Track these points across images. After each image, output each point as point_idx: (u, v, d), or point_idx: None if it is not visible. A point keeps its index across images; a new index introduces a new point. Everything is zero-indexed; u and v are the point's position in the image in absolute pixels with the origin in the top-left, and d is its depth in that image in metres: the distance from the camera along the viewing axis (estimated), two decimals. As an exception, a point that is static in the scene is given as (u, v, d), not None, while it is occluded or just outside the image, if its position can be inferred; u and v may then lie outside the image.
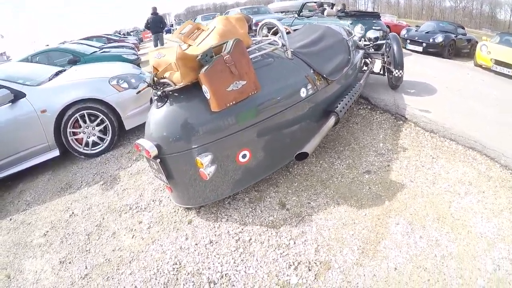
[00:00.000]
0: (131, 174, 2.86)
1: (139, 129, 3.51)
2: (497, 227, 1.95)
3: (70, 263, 2.00)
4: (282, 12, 14.24)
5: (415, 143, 2.78)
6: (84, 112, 3.15)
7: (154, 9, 8.71)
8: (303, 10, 7.86)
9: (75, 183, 2.93)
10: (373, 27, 6.24)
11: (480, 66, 6.71)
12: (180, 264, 1.83)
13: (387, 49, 3.47)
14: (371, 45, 3.72)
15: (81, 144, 3.25)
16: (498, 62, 6.29)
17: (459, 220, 2.01)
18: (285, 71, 2.22)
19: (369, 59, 3.67)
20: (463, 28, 9.93)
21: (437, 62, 5.94)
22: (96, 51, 7.49)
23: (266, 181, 2.40)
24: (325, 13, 7.22)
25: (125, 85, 3.36)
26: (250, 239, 1.94)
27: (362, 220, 2.03)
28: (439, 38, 7.99)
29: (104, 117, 3.23)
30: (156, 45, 8.88)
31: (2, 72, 3.56)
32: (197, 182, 1.97)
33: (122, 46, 9.83)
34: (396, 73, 3.23)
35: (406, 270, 1.69)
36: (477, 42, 8.89)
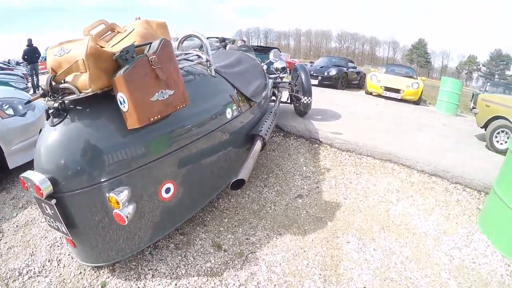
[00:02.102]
0: (17, 226, 2.22)
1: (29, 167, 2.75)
2: (435, 223, 2.35)
3: None
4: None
5: (336, 162, 3.10)
6: None
7: (29, 40, 10.04)
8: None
9: None
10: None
11: (371, 93, 8.50)
12: None
13: (294, 78, 3.94)
14: (279, 75, 4.16)
15: None
16: (388, 88, 8.09)
17: (401, 225, 2.32)
18: (211, 88, 2.20)
19: (277, 89, 4.06)
20: (352, 62, 12.38)
21: (334, 92, 7.11)
22: None
23: (190, 221, 2.17)
24: (228, 47, 7.82)
25: (10, 111, 2.81)
26: None
27: (311, 246, 2.03)
28: (333, 72, 9.58)
29: None
30: (31, 75, 10.02)
31: None
32: (110, 230, 1.60)
33: (11, 74, 9.72)
34: (305, 100, 3.65)
35: (375, 286, 1.74)
36: (365, 75, 11.28)
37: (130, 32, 1.75)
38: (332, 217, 2.33)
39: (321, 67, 10.13)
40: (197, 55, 2.27)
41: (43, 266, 1.84)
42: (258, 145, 2.40)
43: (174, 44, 2.20)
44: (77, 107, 1.54)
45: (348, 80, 10.32)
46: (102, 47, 1.67)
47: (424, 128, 4.34)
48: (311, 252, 1.97)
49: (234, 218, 2.26)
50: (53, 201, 1.45)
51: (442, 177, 2.93)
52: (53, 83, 1.47)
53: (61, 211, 1.49)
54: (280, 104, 4.23)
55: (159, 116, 1.57)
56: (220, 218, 2.25)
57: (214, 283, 1.71)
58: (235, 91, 2.44)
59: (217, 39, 9.15)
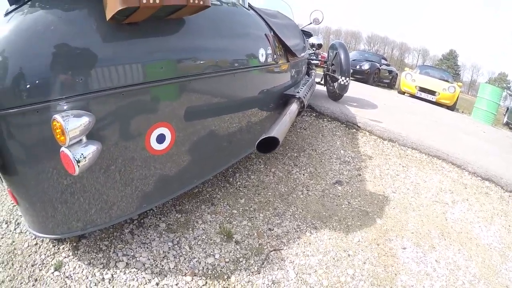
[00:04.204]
0: None
1: None
2: (497, 235, 1.72)
3: None
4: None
5: (378, 151, 2.39)
6: None
7: None
8: None
9: None
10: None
11: (404, 93, 7.45)
12: None
13: (331, 57, 3.23)
14: (314, 51, 3.47)
15: None
16: (422, 89, 7.05)
17: (462, 233, 1.67)
18: (242, 19, 1.59)
19: (311, 66, 3.37)
20: (386, 59, 11.09)
21: (366, 86, 6.24)
22: None
23: (193, 195, 1.52)
24: None
25: None
26: None
27: (358, 249, 1.36)
28: (366, 66, 8.47)
29: None
30: None
31: None
32: (63, 183, 0.96)
33: None
34: (342, 80, 2.95)
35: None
36: (397, 74, 10.11)
37: None
38: (380, 213, 1.65)
39: (354, 60, 8.91)
40: None
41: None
42: (294, 107, 1.73)
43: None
44: None
45: (379, 77, 9.14)
46: None
47: (465, 132, 3.56)
48: (358, 258, 1.31)
49: (253, 199, 1.59)
50: None
51: (495, 183, 2.20)
52: None
53: None
54: None
55: (157, 1, 0.86)
56: (234, 197, 1.59)
57: (217, 283, 1.06)
58: (272, 33, 1.78)
59: None
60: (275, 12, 2.49)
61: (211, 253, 1.21)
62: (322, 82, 3.44)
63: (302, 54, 2.37)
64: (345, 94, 3.22)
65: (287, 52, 1.96)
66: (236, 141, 1.52)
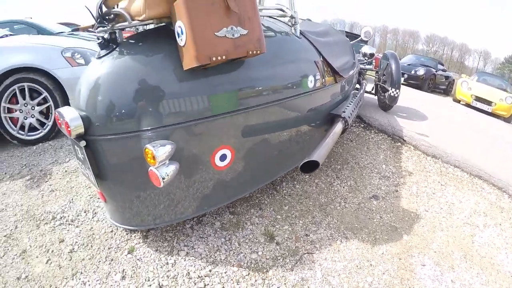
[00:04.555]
0: (66, 171, 2.14)
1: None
2: None
3: None
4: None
5: (419, 167, 2.50)
6: (25, 84, 2.42)
7: None
8: None
9: None
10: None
11: (459, 101, 7.08)
12: None
13: (382, 67, 3.30)
14: (366, 61, 3.56)
15: (16, 126, 2.47)
16: (478, 99, 6.71)
17: (486, 257, 1.75)
18: (294, 48, 1.79)
19: (362, 76, 3.47)
20: (442, 64, 10.54)
21: (420, 93, 6.07)
22: (63, 32, 6.63)
23: (244, 200, 1.87)
24: None
25: (82, 60, 2.73)
26: (226, 282, 1.36)
27: (380, 260, 1.59)
28: (421, 71, 8.22)
29: (48, 96, 2.52)
30: None
31: None
32: (144, 191, 1.34)
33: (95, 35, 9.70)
34: (392, 92, 3.03)
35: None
36: (454, 80, 9.52)
37: None
38: (409, 230, 1.83)
39: (408, 65, 8.70)
40: (280, 9, 1.77)
41: (77, 216, 1.70)
42: (338, 127, 1.94)
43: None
44: (129, 40, 1.27)
45: (435, 83, 8.76)
46: None
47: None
48: (378, 268, 1.54)
49: (296, 207, 1.89)
50: (82, 143, 1.22)
51: (538, 209, 2.20)
52: (105, 8, 1.21)
53: (91, 156, 1.25)
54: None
55: (224, 57, 1.17)
56: (280, 204, 1.90)
57: (255, 280, 1.39)
58: (321, 58, 1.97)
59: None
60: (327, 27, 2.65)
61: (255, 250, 1.54)
62: (373, 91, 3.52)
63: (351, 72, 2.50)
64: (397, 103, 3.28)
65: (335, 74, 2.14)
66: (284, 157, 1.81)
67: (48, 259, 1.40)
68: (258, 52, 1.28)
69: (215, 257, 1.48)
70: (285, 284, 1.39)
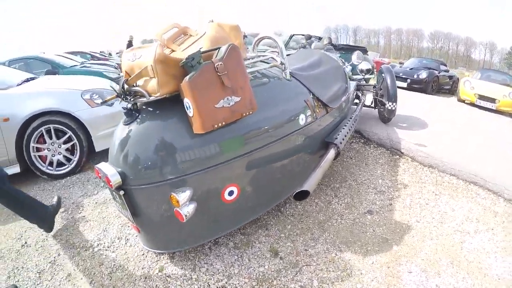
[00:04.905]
0: (96, 203, 2.51)
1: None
2: None
3: None
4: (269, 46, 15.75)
5: (415, 179, 2.68)
6: (51, 126, 2.85)
7: (131, 37, 12.27)
8: (290, 42, 8.20)
9: None
10: None
11: (463, 101, 7.08)
12: None
13: (379, 81, 3.51)
14: (363, 77, 3.77)
15: (45, 163, 2.91)
16: (482, 97, 6.69)
17: (473, 262, 1.90)
18: (284, 93, 2.04)
19: (361, 91, 3.67)
20: (445, 65, 10.67)
21: (423, 97, 6.19)
22: (76, 65, 7.24)
23: (253, 222, 2.16)
24: (313, 46, 7.49)
25: (99, 100, 3.07)
26: None
27: (370, 269, 1.81)
28: (423, 74, 8.35)
29: (72, 134, 2.92)
30: None
31: None
32: (171, 224, 1.67)
33: (105, 64, 9.73)
34: (390, 105, 3.22)
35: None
36: (458, 79, 9.48)
37: (201, 36, 1.69)
38: (399, 241, 2.03)
39: (411, 69, 8.94)
40: (271, 57, 2.06)
41: (112, 242, 2.04)
42: (331, 154, 2.19)
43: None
44: (148, 109, 1.59)
45: (439, 84, 8.92)
46: (173, 50, 1.67)
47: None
48: (368, 276, 1.77)
49: (297, 226, 2.16)
50: (121, 192, 1.55)
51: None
52: (126, 86, 1.52)
53: (128, 201, 1.58)
54: (364, 107, 3.83)
55: (223, 123, 1.50)
56: (283, 223, 2.18)
57: (260, 287, 1.68)
58: (311, 95, 2.22)
59: (303, 36, 8.71)
60: (320, 56, 2.89)
61: (262, 264, 1.83)
62: (373, 105, 3.72)
63: (343, 98, 2.73)
64: (398, 110, 3.44)
65: (325, 106, 2.38)
66: (282, 185, 2.08)
67: (91, 280, 1.76)
68: (251, 112, 1.61)
69: (230, 271, 1.79)
70: None
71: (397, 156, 2.98)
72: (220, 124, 1.50)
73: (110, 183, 1.50)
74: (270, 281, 1.72)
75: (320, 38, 8.30)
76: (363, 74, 3.57)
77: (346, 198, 2.46)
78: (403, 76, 8.38)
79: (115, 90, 1.58)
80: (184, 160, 1.55)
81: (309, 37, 8.31)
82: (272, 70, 2.08)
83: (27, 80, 3.48)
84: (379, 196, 2.48)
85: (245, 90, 1.57)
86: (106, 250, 1.99)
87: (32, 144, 2.82)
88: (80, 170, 3.04)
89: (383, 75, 3.38)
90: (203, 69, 1.42)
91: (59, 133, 2.92)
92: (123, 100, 1.57)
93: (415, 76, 8.38)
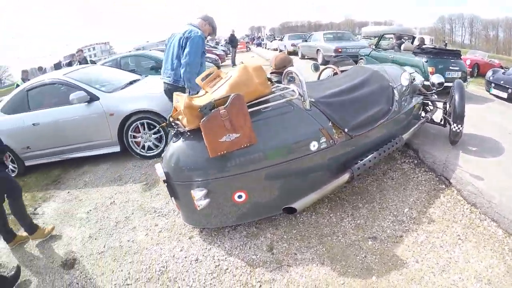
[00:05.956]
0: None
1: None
2: None
3: (95, 239, 2.80)
4: (374, 37, 14.98)
5: (447, 216, 2.48)
6: (144, 121, 3.96)
7: (233, 30, 14.66)
8: (381, 42, 7.78)
9: (125, 177, 3.83)
10: (450, 67, 5.50)
11: None
12: (166, 268, 2.34)
13: (450, 97, 3.02)
14: (434, 90, 3.26)
15: (139, 146, 4.12)
16: None
17: None
18: (295, 122, 2.32)
19: (431, 106, 3.24)
20: None
21: None
22: None
23: (269, 220, 2.62)
24: (402, 47, 6.71)
25: None
26: (227, 268, 2.26)
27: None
28: None
29: (161, 128, 3.94)
30: (232, 55, 14.45)
31: (86, 75, 4.54)
32: (194, 209, 2.32)
33: (207, 56, 11.13)
34: (454, 127, 2.82)
35: None
36: None
37: (227, 80, 2.20)
38: (382, 274, 2.08)
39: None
40: (292, 90, 2.35)
41: (169, 212, 2.90)
42: (342, 178, 2.39)
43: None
44: (186, 134, 2.24)
45: None
46: (207, 92, 2.28)
47: None
48: (331, 293, 2.03)
49: (301, 232, 2.50)
50: (166, 184, 2.32)
51: None
52: (171, 119, 2.25)
53: (170, 190, 2.35)
54: (434, 124, 3.39)
55: (225, 151, 2.07)
56: (292, 227, 2.55)
57: (246, 270, 2.21)
58: (330, 123, 2.39)
59: (393, 36, 7.31)
60: (368, 75, 2.81)
61: (256, 254, 2.33)
62: (442, 123, 3.24)
63: (380, 122, 2.64)
64: (476, 131, 2.98)
65: (346, 131, 2.46)
66: (283, 198, 2.42)
67: (146, 234, 2.73)
68: (249, 144, 2.11)
69: (232, 252, 2.39)
70: (261, 279, 2.14)
71: (443, 186, 2.70)
72: (223, 152, 2.08)
73: (159, 177, 2.31)
74: (254, 267, 2.24)
75: (413, 38, 7.27)
76: (435, 88, 3.11)
77: (360, 219, 2.56)
78: (504, 85, 6.26)
79: (165, 119, 2.33)
80: (203, 170, 2.21)
81: (399, 37, 7.40)
82: (294, 100, 2.35)
83: (131, 83, 4.62)
84: (395, 225, 2.47)
85: (245, 129, 2.07)
86: (163, 216, 2.94)
87: (130, 133, 4.03)
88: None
89: (453, 89, 2.90)
90: (211, 115, 2.00)
91: (150, 126, 4.00)
92: (169, 127, 2.32)
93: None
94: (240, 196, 2.29)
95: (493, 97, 6.56)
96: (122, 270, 2.40)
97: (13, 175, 4.30)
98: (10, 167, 4.34)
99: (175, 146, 2.28)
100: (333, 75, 3.45)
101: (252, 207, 2.39)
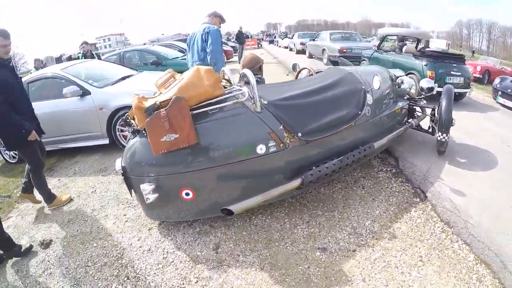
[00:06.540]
0: None
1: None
2: None
3: (72, 224, 2.89)
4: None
5: (414, 233, 2.14)
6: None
7: (240, 27, 14.75)
8: (386, 43, 7.38)
9: (109, 169, 3.92)
10: (452, 72, 4.99)
11: None
12: (122, 255, 2.35)
13: (438, 104, 2.64)
14: (423, 96, 2.88)
15: (125, 140, 4.19)
16: None
17: None
18: (244, 125, 2.21)
19: (418, 112, 2.87)
20: None
21: None
22: (177, 57, 8.26)
23: (224, 219, 2.52)
24: (404, 49, 6.21)
25: None
26: (173, 261, 2.21)
27: (267, 296, 1.91)
28: None
29: None
30: (239, 51, 13.99)
31: (83, 70, 4.72)
32: (147, 203, 2.29)
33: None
34: (439, 136, 2.45)
35: None
36: None
37: (179, 81, 2.21)
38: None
39: None
40: (241, 93, 2.22)
41: (138, 204, 2.83)
42: (291, 184, 2.22)
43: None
44: (142, 131, 2.24)
45: None
46: (161, 92, 2.29)
47: None
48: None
49: (251, 235, 2.35)
50: (122, 177, 2.35)
51: None
52: (129, 118, 2.32)
53: (127, 183, 2.36)
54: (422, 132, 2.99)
55: (166, 150, 2.07)
56: (243, 229, 2.42)
57: (188, 265, 2.16)
58: (281, 126, 2.23)
59: (395, 38, 6.70)
60: (340, 77, 2.63)
61: (202, 251, 2.24)
62: (430, 131, 2.83)
63: (344, 126, 2.41)
64: (472, 141, 2.59)
65: (299, 136, 2.27)
66: (232, 197, 2.29)
67: (114, 222, 2.76)
68: (187, 145, 2.07)
69: (181, 246, 2.34)
70: (199, 275, 2.06)
71: (417, 200, 2.35)
72: (164, 151, 2.07)
73: (118, 170, 2.35)
74: (196, 263, 2.17)
75: (419, 41, 6.72)
76: (423, 93, 2.74)
77: (315, 227, 2.34)
78: (511, 94, 5.63)
79: (128, 118, 2.38)
80: (151, 167, 2.21)
81: (401, 39, 6.88)
82: (246, 102, 2.23)
83: (123, 78, 4.71)
84: (351, 237, 2.21)
85: (184, 129, 2.03)
86: (132, 208, 2.96)
87: (118, 126, 4.14)
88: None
89: (442, 95, 2.52)
90: (153, 116, 2.03)
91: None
92: (127, 125, 2.38)
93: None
94: (187, 194, 2.24)
95: (499, 106, 5.91)
96: (86, 253, 2.47)
97: (13, 161, 4.73)
98: (11, 153, 4.72)
99: (131, 143, 2.34)
100: (309, 76, 3.24)
101: (199, 205, 2.32)
